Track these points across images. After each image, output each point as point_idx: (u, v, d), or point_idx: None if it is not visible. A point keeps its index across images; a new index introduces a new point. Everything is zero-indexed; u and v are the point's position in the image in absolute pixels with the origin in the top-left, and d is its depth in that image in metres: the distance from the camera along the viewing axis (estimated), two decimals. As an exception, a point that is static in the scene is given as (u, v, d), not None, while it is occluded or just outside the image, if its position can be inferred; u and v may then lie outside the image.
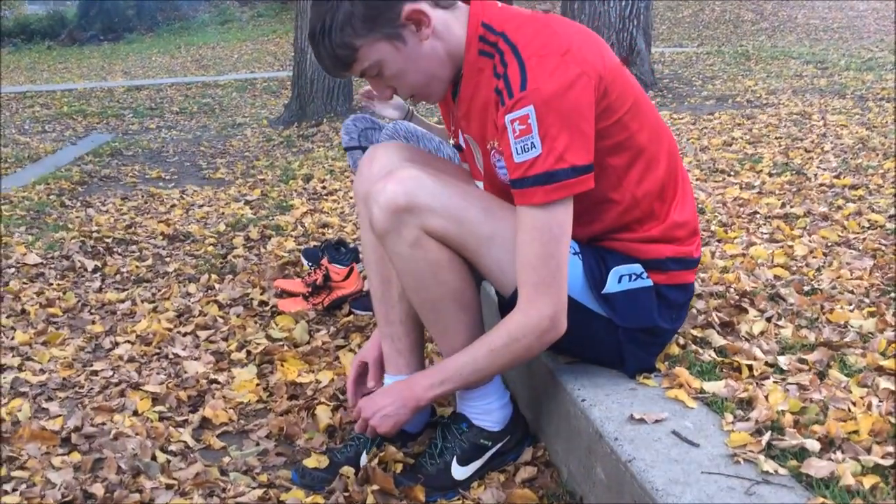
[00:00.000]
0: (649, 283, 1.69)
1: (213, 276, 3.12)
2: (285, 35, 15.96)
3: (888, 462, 1.38)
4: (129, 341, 2.56)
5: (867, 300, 2.21)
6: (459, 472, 1.78)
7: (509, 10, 1.64)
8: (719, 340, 1.92)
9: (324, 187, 4.63)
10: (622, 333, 1.69)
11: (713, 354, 1.85)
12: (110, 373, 2.34)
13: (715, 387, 1.68)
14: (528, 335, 1.58)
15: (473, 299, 1.72)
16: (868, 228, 2.99)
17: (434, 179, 1.63)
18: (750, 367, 1.78)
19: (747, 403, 1.62)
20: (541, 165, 1.48)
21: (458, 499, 1.76)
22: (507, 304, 1.68)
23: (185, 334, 2.60)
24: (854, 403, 1.60)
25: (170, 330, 2.63)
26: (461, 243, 1.63)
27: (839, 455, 1.41)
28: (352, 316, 2.73)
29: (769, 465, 1.37)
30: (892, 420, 1.51)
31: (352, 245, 3.08)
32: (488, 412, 1.80)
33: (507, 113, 1.49)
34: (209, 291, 2.99)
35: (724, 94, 7.62)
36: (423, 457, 1.83)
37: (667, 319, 1.73)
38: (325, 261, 2.94)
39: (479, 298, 1.74)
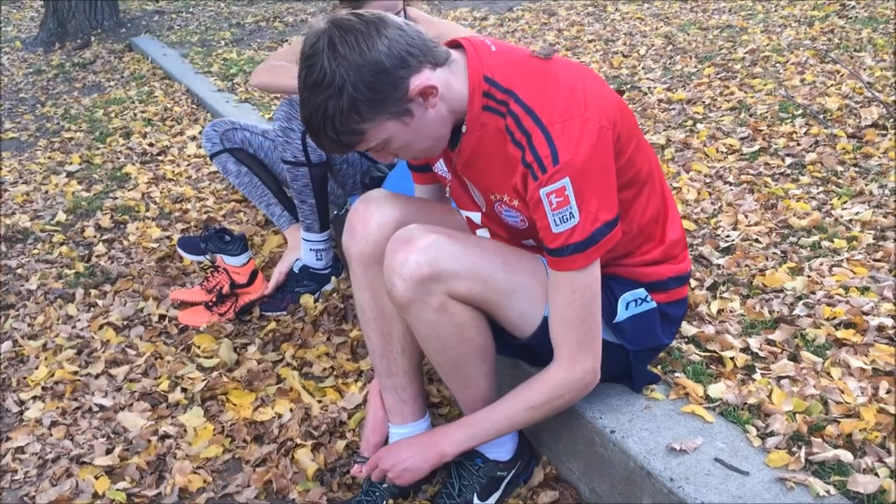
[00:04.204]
0: (653, 304, 1.73)
1: (93, 291, 2.80)
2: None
3: (912, 463, 1.56)
4: (36, 397, 2.28)
5: (777, 251, 2.40)
6: (481, 506, 1.81)
7: (506, 57, 1.55)
8: (689, 329, 2.03)
9: (151, 144, 4.22)
10: (631, 355, 1.75)
11: (695, 349, 1.95)
12: (38, 446, 2.09)
13: (717, 391, 1.79)
14: (574, 390, 1.60)
15: (492, 350, 1.70)
16: (728, 154, 3.21)
17: (450, 240, 1.57)
18: (732, 359, 1.90)
19: (757, 409, 1.74)
20: (580, 233, 1.47)
21: (487, 535, 1.78)
22: (518, 345, 1.69)
23: (96, 376, 2.35)
24: (842, 391, 1.77)
25: (76, 373, 2.36)
26: (485, 300, 1.61)
27: (869, 461, 1.56)
28: (274, 323, 2.58)
29: (820, 487, 1.50)
30: (888, 409, 1.69)
31: (236, 232, 2.88)
32: (501, 444, 1.82)
33: (541, 187, 1.45)
34: (93, 310, 2.70)
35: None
36: (440, 498, 1.82)
37: (668, 335, 1.79)
38: (220, 260, 2.73)
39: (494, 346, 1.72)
